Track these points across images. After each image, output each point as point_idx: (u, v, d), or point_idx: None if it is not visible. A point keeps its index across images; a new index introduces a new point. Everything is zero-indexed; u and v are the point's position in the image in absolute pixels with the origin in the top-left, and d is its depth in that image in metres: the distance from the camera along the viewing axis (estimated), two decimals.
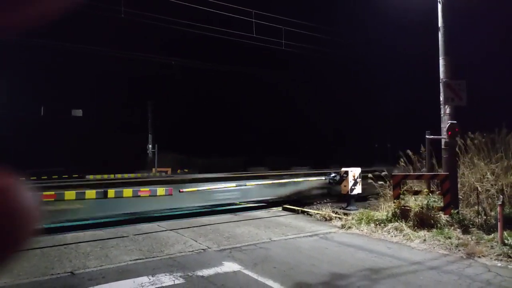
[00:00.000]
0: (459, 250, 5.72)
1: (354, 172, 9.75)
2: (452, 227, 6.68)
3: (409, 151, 8.75)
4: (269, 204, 11.44)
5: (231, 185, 10.52)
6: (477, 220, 6.96)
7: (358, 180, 9.77)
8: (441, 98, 7.79)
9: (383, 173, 8.84)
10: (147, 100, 24.43)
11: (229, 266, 5.22)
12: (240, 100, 31.43)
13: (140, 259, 5.71)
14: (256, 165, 29.02)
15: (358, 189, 9.78)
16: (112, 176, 23.85)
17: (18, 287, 4.57)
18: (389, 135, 26.46)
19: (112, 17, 13.22)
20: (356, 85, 27.31)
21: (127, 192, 8.89)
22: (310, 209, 9.87)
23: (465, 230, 6.52)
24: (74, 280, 4.79)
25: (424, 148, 8.33)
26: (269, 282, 4.54)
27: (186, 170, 19.98)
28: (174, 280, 4.67)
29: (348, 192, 9.68)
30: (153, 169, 21.36)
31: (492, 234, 6.18)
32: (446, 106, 7.76)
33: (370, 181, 9.42)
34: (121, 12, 12.73)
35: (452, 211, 6.96)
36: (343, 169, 9.90)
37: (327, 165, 13.87)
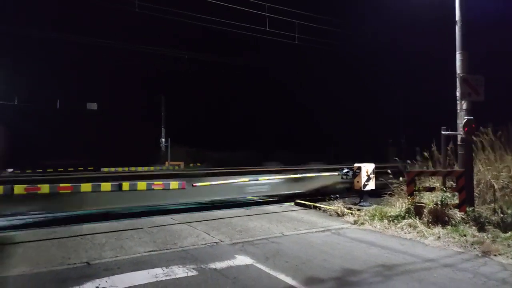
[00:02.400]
0: (474, 248, 5.65)
1: (367, 167, 9.68)
2: (467, 225, 6.58)
3: (417, 148, 8.63)
4: (281, 198, 11.44)
5: (244, 179, 10.55)
6: (493, 218, 6.84)
7: (372, 175, 9.70)
8: (457, 94, 7.64)
9: (394, 169, 8.75)
10: (161, 94, 24.61)
11: (242, 260, 5.26)
12: (253, 94, 31.41)
13: (154, 251, 5.80)
14: (269, 159, 29.03)
15: (371, 185, 9.71)
16: (126, 169, 24.19)
17: (37, 275, 4.70)
18: (404, 130, 26.09)
19: (127, 11, 13.34)
20: (372, 79, 26.97)
21: (141, 185, 9.00)
22: (322, 204, 9.85)
23: (481, 228, 6.42)
24: (90, 270, 4.90)
25: (434, 144, 8.26)
26: (281, 276, 4.57)
27: (199, 164, 20.11)
28: (187, 272, 4.74)
29: (361, 187, 9.63)
30: (166, 163, 21.56)
31: (509, 233, 6.08)
32: (463, 102, 7.62)
33: (382, 177, 9.35)
34: (135, 6, 12.82)
35: (467, 208, 6.86)
36: (356, 164, 9.83)
37: (340, 160, 13.73)
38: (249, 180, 10.55)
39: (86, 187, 8.25)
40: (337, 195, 10.04)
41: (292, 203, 10.75)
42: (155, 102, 25.74)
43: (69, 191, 8.04)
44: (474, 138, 8.00)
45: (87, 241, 6.46)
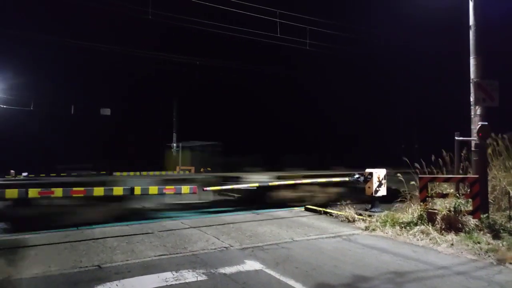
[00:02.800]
0: (488, 256, 5.53)
1: (378, 173, 9.59)
2: (482, 232, 6.45)
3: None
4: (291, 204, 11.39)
5: (253, 184, 10.55)
6: (508, 225, 6.69)
7: (383, 181, 9.60)
8: (471, 99, 7.54)
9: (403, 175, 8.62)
10: (172, 100, 24.85)
11: (251, 265, 5.25)
12: (262, 99, 31.48)
13: (164, 255, 5.83)
14: (279, 163, 28.96)
15: (382, 191, 9.61)
16: (137, 173, 24.44)
17: (49, 278, 4.76)
18: (418, 136, 25.78)
19: (140, 18, 13.57)
20: (385, 85, 26.79)
21: (153, 189, 9.08)
22: (333, 210, 9.78)
23: (496, 235, 6.28)
24: (101, 273, 4.95)
25: (445, 150, 8.15)
26: (291, 282, 4.54)
27: (209, 169, 20.17)
28: (197, 277, 4.74)
29: (372, 193, 9.53)
30: (177, 167, 21.69)
31: None
32: (477, 107, 7.51)
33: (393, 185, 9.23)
34: (148, 14, 13.02)
35: (481, 215, 6.73)
36: (368, 170, 9.74)
37: (351, 165, 13.57)
38: (259, 185, 10.51)
39: (99, 191, 8.35)
40: (348, 201, 9.94)
41: (303, 208, 10.70)
42: (166, 108, 26.01)
43: (82, 195, 8.15)
44: (489, 144, 7.87)
45: (99, 244, 6.53)
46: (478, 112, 7.49)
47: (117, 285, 4.46)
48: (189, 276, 4.78)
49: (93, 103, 27.02)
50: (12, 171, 18.26)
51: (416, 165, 8.54)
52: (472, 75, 7.61)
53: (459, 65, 8.52)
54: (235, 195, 13.86)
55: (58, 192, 7.90)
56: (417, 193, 7.89)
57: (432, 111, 23.90)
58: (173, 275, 4.82)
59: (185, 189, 9.31)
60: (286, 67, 27.46)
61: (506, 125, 8.25)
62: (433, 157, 8.37)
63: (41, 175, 21.74)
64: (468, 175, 7.57)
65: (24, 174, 19.82)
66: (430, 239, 6.44)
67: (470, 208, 6.84)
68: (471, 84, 7.55)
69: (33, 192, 7.67)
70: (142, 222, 8.76)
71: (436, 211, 6.94)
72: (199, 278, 4.69)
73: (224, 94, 31.56)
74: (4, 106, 21.12)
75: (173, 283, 4.54)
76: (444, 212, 6.81)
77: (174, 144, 23.51)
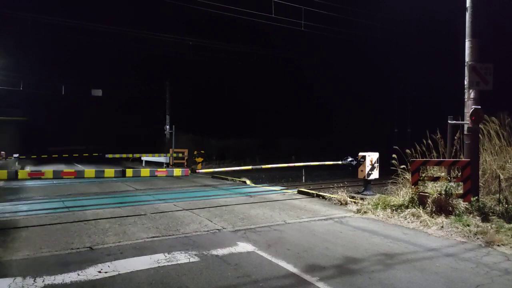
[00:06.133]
0: (477, 238, 5.61)
1: (371, 156, 9.62)
2: (471, 215, 6.53)
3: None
4: (284, 186, 11.45)
5: (247, 167, 10.57)
6: (497, 209, 6.78)
7: (376, 165, 9.64)
8: (466, 82, 7.51)
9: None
10: (165, 81, 24.50)
11: (243, 247, 5.27)
12: (258, 81, 31.24)
13: (157, 236, 5.83)
14: (273, 146, 29.02)
15: (375, 174, 9.67)
16: (130, 156, 24.38)
17: (40, 259, 4.74)
18: (410, 120, 25.86)
19: None
20: (376, 68, 26.67)
21: (145, 171, 9.03)
22: (326, 193, 9.84)
23: (485, 218, 6.37)
24: (93, 254, 4.94)
25: (436, 133, 8.17)
26: (283, 263, 4.57)
27: (203, 152, 20.11)
28: (189, 258, 4.75)
29: (365, 177, 9.59)
30: (170, 150, 21.56)
31: None
32: (471, 91, 7.48)
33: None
34: None
35: (472, 198, 6.80)
36: (361, 153, 9.77)
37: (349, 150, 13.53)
38: (251, 168, 10.52)
39: (89, 173, 8.28)
40: (341, 184, 10.00)
41: (295, 191, 10.76)
42: (159, 89, 25.66)
43: (73, 176, 8.08)
44: (481, 128, 7.89)
45: (91, 226, 6.51)
46: (472, 95, 7.47)
47: (109, 266, 4.46)
48: (182, 257, 4.79)
49: (84, 84, 26.56)
50: (2, 152, 18.05)
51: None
52: (467, 58, 7.54)
53: (455, 48, 8.44)
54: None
55: (49, 173, 7.82)
56: (408, 176, 7.95)
57: (425, 95, 23.94)
58: (165, 256, 4.83)
59: (177, 171, 9.27)
60: (280, 48, 27.16)
61: (500, 108, 8.25)
62: (425, 141, 8.40)
63: (32, 156, 21.55)
64: (460, 159, 7.62)
65: (15, 155, 19.60)
66: (420, 222, 6.51)
67: (461, 191, 6.91)
68: (466, 67, 7.50)
69: (22, 174, 7.58)
70: (134, 204, 8.75)
71: (427, 194, 7.00)
72: (191, 260, 4.70)
73: (217, 77, 31.24)
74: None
75: (165, 264, 4.54)
76: (435, 195, 6.87)
77: (167, 126, 23.28)
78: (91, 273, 4.24)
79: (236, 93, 31.82)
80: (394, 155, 8.41)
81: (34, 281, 4.00)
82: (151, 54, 26.05)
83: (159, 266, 4.47)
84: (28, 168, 17.63)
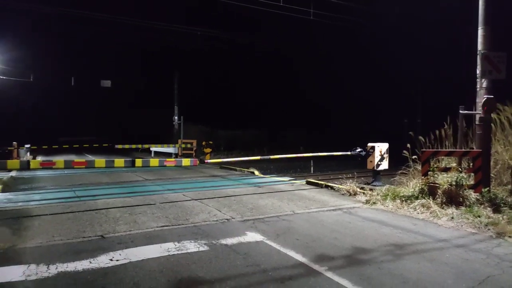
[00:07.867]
0: (488, 229, 5.56)
1: (381, 147, 9.56)
2: (482, 206, 6.46)
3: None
4: (293, 177, 11.44)
5: (255, 158, 10.58)
6: (509, 199, 6.70)
7: (385, 155, 9.58)
8: (478, 71, 7.36)
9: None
10: (174, 71, 24.50)
11: (252, 236, 5.30)
12: (266, 73, 31.07)
13: (167, 226, 5.89)
14: (279, 138, 28.96)
15: (384, 165, 9.61)
16: (139, 146, 24.58)
17: (53, 247, 4.83)
18: (420, 110, 25.54)
19: None
20: (387, 58, 26.28)
21: (154, 161, 9.10)
22: (334, 183, 9.81)
23: (496, 209, 6.30)
24: (105, 243, 5.01)
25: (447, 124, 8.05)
26: (291, 253, 4.59)
27: (211, 142, 20.16)
28: (198, 247, 4.80)
29: (374, 167, 9.53)
30: (179, 141, 21.65)
31: None
32: (483, 80, 7.35)
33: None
34: None
35: (483, 189, 6.72)
36: (370, 144, 9.70)
37: (358, 139, 13.43)
38: (260, 158, 10.52)
39: (100, 163, 8.37)
40: (350, 174, 9.97)
41: (304, 182, 10.75)
42: (168, 80, 25.67)
43: (84, 166, 8.18)
44: (494, 117, 7.76)
45: (102, 215, 6.60)
46: (484, 85, 7.33)
47: (120, 254, 4.52)
48: (191, 246, 4.84)
49: (94, 75, 26.70)
50: (14, 142, 18.32)
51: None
52: (479, 47, 7.39)
53: (467, 37, 8.27)
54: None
55: (60, 163, 7.92)
56: (418, 167, 7.88)
57: (437, 85, 23.58)
58: (175, 245, 4.88)
59: (185, 161, 9.32)
60: (287, 39, 26.90)
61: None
62: (437, 132, 8.29)
63: (43, 147, 21.84)
64: (471, 149, 7.52)
65: (27, 146, 19.89)
66: (430, 213, 6.47)
67: (472, 182, 6.83)
68: (478, 56, 7.35)
69: (34, 163, 7.69)
70: (144, 193, 8.84)
71: (437, 185, 6.94)
72: (201, 249, 4.75)
73: (225, 66, 31.11)
74: (4, 77, 20.90)
75: (175, 253, 4.59)
76: (445, 186, 6.81)
77: (176, 117, 23.35)
78: (103, 261, 4.31)
79: (244, 84, 31.70)
80: (408, 145, 8.30)
81: (47, 268, 4.08)
82: (160, 45, 26.05)
83: (169, 255, 4.52)
84: (40, 158, 17.90)
